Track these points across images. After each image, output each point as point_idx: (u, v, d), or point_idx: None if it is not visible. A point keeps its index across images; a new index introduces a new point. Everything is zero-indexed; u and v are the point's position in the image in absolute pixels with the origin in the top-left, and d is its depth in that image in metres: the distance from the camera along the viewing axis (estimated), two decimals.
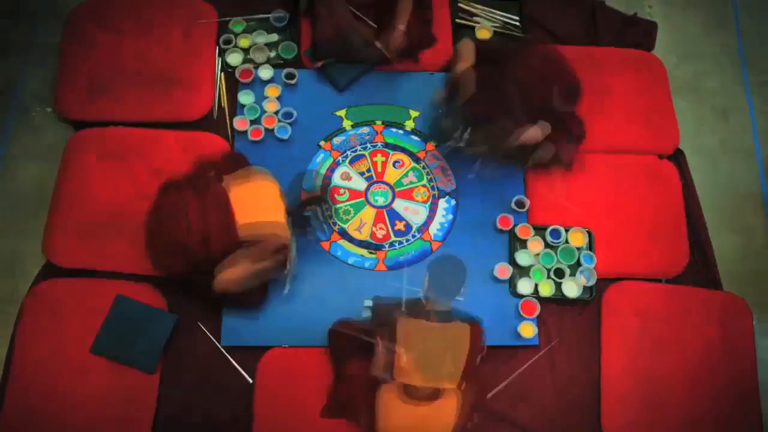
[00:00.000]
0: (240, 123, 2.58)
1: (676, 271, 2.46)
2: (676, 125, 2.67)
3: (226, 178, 2.17)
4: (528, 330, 2.33)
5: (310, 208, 2.36)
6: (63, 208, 2.40)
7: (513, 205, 2.48)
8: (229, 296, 2.17)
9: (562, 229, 2.45)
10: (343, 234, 2.46)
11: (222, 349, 2.27)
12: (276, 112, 2.60)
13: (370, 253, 2.44)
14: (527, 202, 2.49)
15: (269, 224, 2.13)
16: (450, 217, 2.51)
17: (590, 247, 2.45)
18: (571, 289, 2.39)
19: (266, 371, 2.24)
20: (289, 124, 2.59)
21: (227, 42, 2.72)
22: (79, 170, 2.46)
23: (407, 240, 2.46)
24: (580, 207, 2.50)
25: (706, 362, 2.32)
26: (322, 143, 2.60)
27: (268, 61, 2.71)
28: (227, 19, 2.74)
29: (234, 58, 2.69)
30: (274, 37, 2.74)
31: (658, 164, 2.61)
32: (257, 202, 2.15)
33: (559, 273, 2.41)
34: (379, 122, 2.65)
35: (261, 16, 2.77)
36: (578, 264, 2.43)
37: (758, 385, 2.31)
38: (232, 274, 2.07)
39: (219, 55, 2.70)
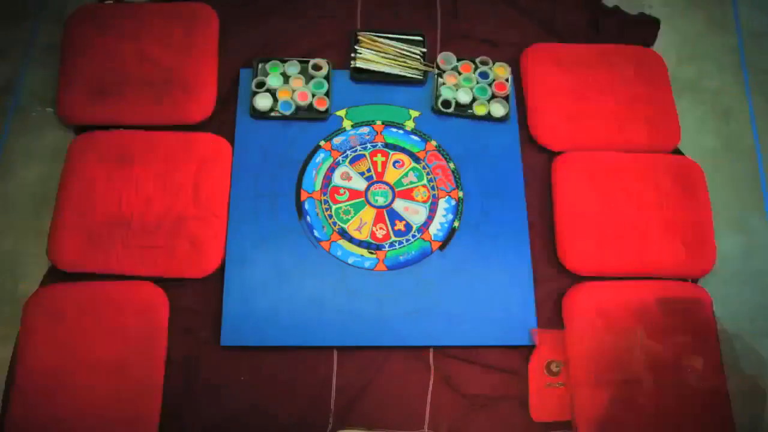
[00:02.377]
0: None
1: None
2: (677, 121, 2.66)
3: None
4: (499, 109, 2.58)
5: None
6: (66, 212, 2.39)
7: None
8: None
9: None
10: (343, 234, 2.46)
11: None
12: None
13: (370, 253, 2.44)
14: None
15: None
16: (450, 217, 2.51)
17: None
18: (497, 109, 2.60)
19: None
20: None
21: (260, 85, 2.60)
22: (82, 173, 2.45)
23: (407, 240, 2.46)
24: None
25: (672, 353, 2.26)
26: (322, 143, 2.60)
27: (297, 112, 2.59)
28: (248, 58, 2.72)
29: (263, 103, 2.56)
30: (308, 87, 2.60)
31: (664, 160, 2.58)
32: None
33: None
34: (379, 122, 2.66)
35: (299, 59, 2.65)
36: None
37: (724, 370, 2.26)
38: None
39: (251, 96, 2.58)
